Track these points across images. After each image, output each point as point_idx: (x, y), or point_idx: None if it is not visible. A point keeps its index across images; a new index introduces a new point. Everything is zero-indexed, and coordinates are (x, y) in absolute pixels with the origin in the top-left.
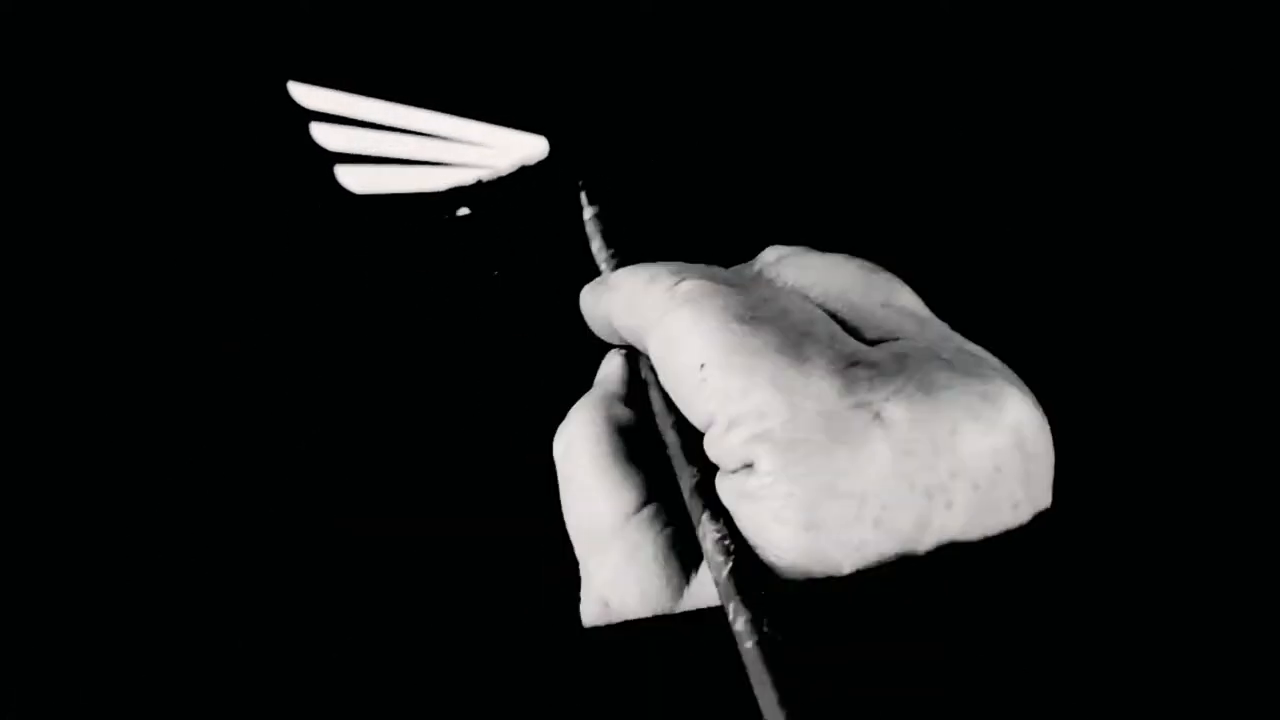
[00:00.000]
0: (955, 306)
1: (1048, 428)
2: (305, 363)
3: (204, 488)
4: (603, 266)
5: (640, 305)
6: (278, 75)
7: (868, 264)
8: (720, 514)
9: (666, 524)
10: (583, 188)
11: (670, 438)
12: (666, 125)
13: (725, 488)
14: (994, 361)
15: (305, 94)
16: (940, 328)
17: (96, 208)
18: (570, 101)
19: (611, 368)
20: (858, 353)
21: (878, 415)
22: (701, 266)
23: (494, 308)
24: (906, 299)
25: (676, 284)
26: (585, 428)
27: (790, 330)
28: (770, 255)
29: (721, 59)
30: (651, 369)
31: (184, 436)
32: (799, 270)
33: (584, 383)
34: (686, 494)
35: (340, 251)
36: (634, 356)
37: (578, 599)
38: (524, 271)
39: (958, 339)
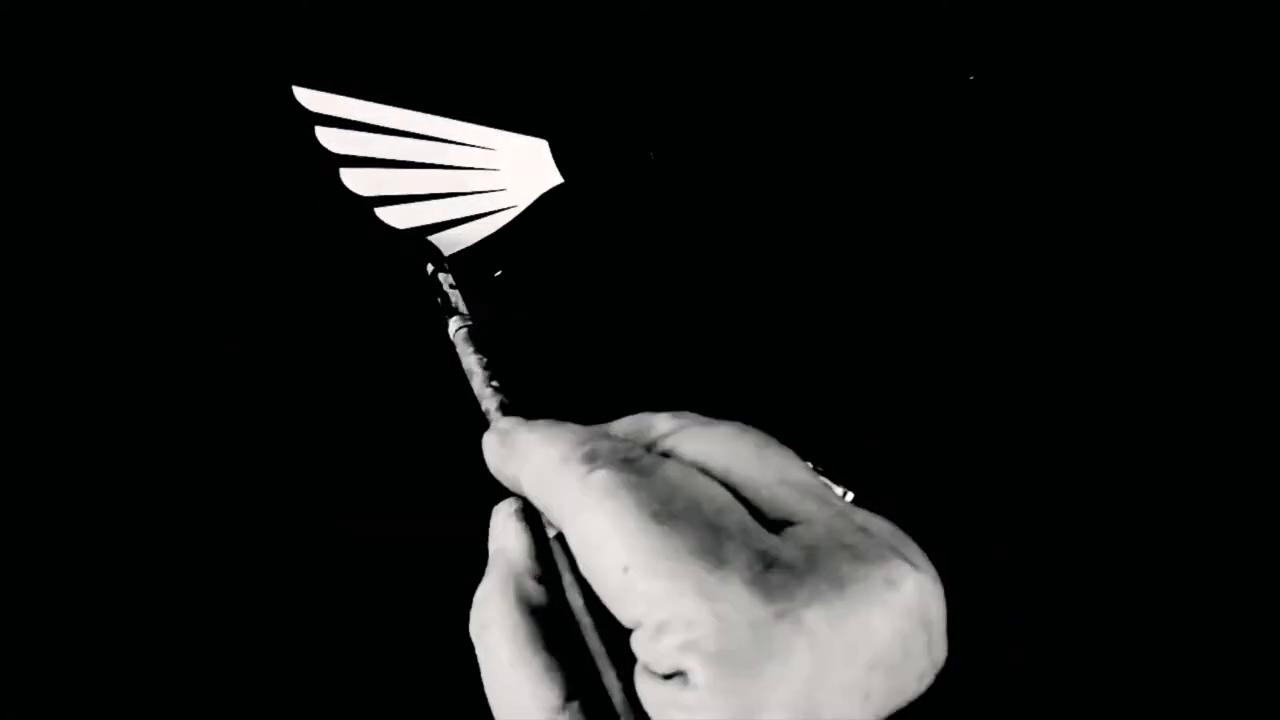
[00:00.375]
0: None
1: (940, 589)
2: (305, 363)
3: (204, 488)
4: (486, 400)
5: (553, 490)
6: (282, 79)
7: (761, 436)
8: None
9: None
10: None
11: (593, 643)
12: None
13: (655, 695)
14: (887, 531)
15: (310, 98)
16: (832, 502)
17: (101, 209)
18: (571, 104)
19: (511, 538)
20: (770, 550)
21: (799, 623)
22: (609, 441)
23: (494, 308)
24: (799, 473)
25: (589, 473)
26: (500, 613)
27: (706, 527)
28: (663, 425)
29: (720, 59)
30: (565, 552)
31: (184, 436)
32: (697, 444)
33: (584, 383)
34: (618, 705)
35: (342, 253)
36: (532, 517)
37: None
38: (522, 273)
39: (849, 511)
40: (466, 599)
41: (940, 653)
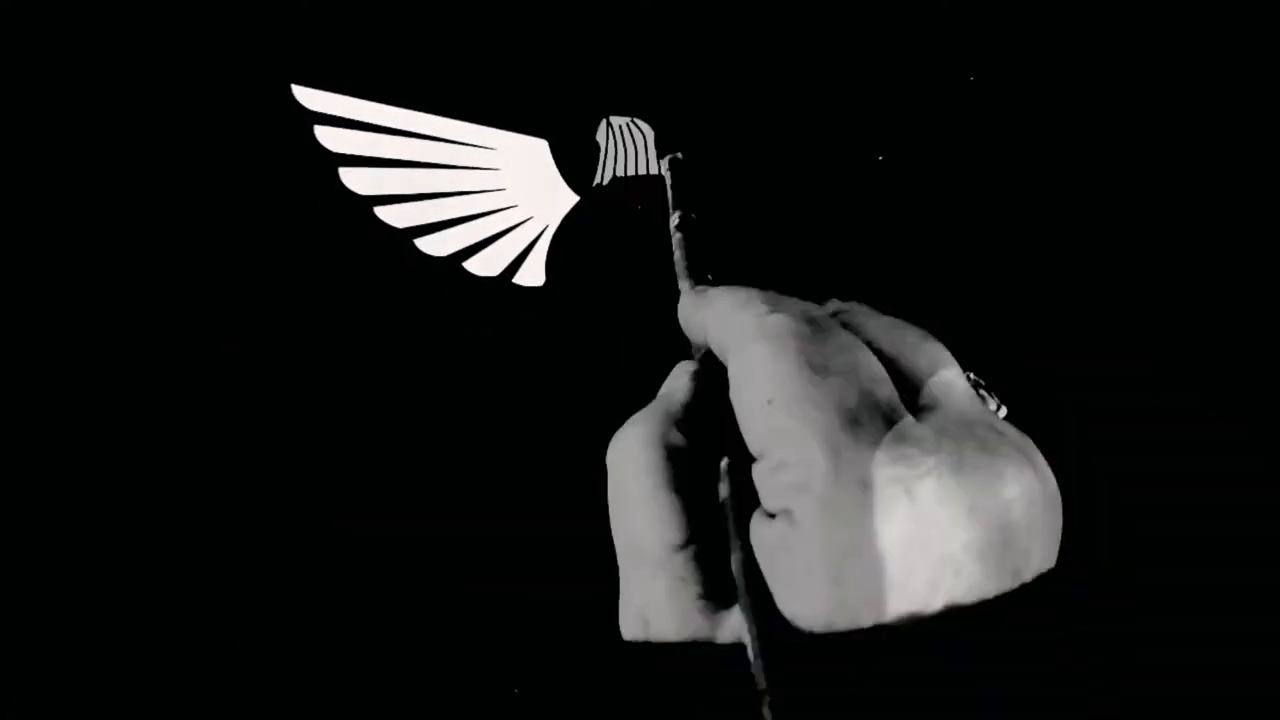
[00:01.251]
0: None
1: (1054, 498)
2: (305, 363)
3: (204, 488)
4: (683, 279)
5: (729, 325)
6: (282, 78)
7: (922, 331)
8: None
9: (709, 563)
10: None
11: (724, 489)
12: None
13: (764, 534)
14: (1017, 436)
15: (310, 98)
16: (973, 402)
17: (100, 209)
18: (571, 104)
19: (678, 385)
20: (904, 426)
21: (908, 491)
22: (793, 301)
23: (492, 309)
24: (953, 370)
25: (766, 314)
26: (641, 447)
27: (853, 390)
28: (847, 304)
29: (721, 58)
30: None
31: (184, 436)
32: (867, 321)
33: (582, 384)
34: (735, 565)
35: (342, 253)
36: (702, 375)
37: (579, 600)
38: (516, 275)
39: (988, 413)
40: (467, 599)
41: (1039, 561)
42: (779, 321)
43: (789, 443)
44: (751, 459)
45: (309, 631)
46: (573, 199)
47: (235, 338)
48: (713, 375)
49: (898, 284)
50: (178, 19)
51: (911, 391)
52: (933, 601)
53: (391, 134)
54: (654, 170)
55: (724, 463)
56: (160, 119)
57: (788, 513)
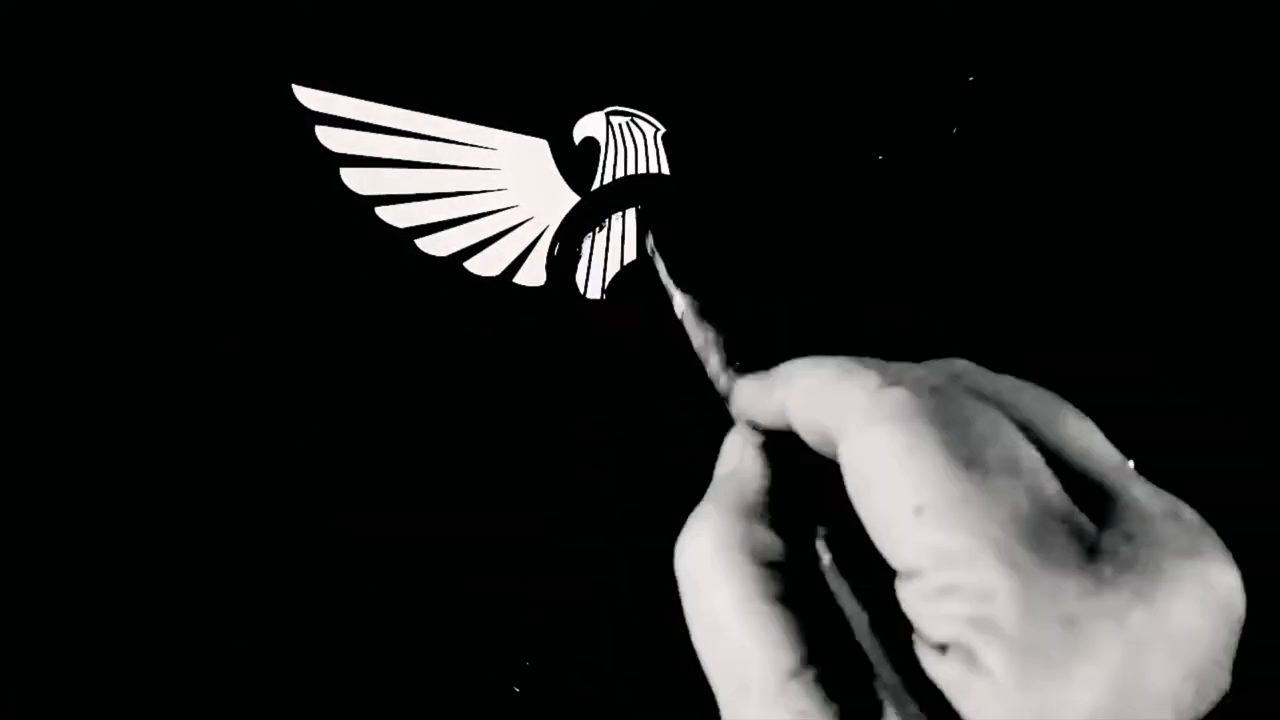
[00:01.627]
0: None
1: (1242, 587)
2: (305, 363)
3: (204, 488)
4: (720, 375)
5: (831, 403)
6: (282, 78)
7: (1053, 394)
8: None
9: (833, 693)
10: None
11: (860, 627)
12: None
13: (938, 672)
14: (1196, 521)
15: (310, 98)
16: (1139, 481)
17: (100, 209)
18: (571, 104)
19: (747, 467)
20: (1091, 534)
21: (1121, 624)
22: (900, 366)
23: (492, 309)
24: (1102, 442)
25: (880, 386)
26: (720, 553)
27: (1023, 492)
28: (958, 365)
29: (721, 58)
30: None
31: (184, 436)
32: (999, 391)
33: (582, 384)
34: (890, 688)
35: (343, 253)
36: (772, 450)
37: (579, 601)
38: (514, 276)
39: (1158, 493)
40: (467, 599)
41: (1229, 667)
42: (902, 398)
43: (957, 564)
44: (879, 566)
45: (309, 631)
46: (573, 199)
47: (235, 338)
48: (785, 449)
49: (897, 283)
50: (178, 19)
51: (1069, 477)
52: None
53: (392, 134)
54: (654, 170)
55: (826, 560)
56: (161, 119)
57: (967, 652)
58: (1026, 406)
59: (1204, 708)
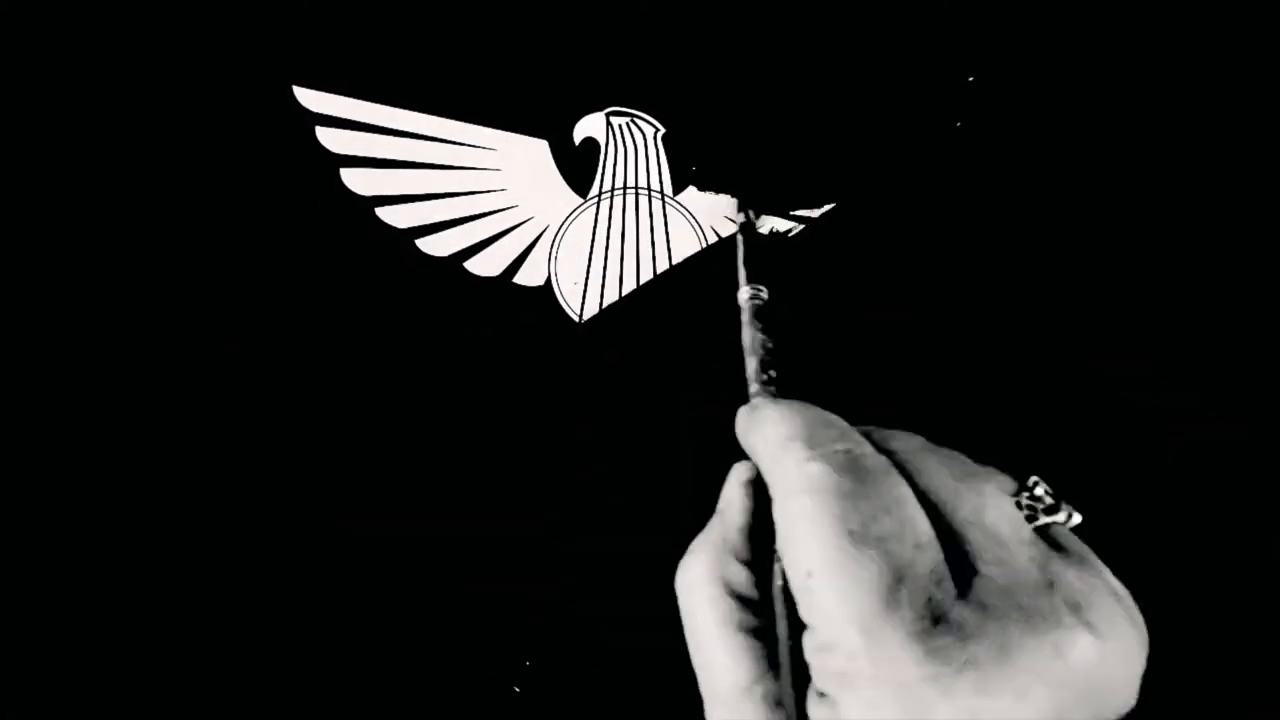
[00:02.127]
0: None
1: (1122, 650)
2: (306, 363)
3: (204, 488)
4: (753, 378)
5: (773, 466)
6: (282, 79)
7: (978, 466)
8: None
9: (778, 704)
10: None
11: (783, 655)
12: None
13: (814, 713)
14: (1079, 588)
15: (310, 98)
16: (1025, 552)
17: (100, 210)
18: (571, 104)
19: (731, 502)
20: (943, 604)
21: (946, 691)
22: (840, 433)
23: (492, 309)
24: (1002, 512)
25: (806, 460)
26: (703, 583)
27: (894, 562)
28: (905, 443)
29: (721, 58)
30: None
31: (184, 436)
32: (920, 463)
33: (578, 384)
34: (788, 707)
35: (343, 253)
36: (758, 487)
37: (578, 601)
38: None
39: (1045, 561)
40: (467, 599)
41: (1113, 710)
42: (819, 473)
43: (830, 624)
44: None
45: (309, 631)
46: (573, 199)
47: (236, 338)
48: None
49: (897, 283)
50: (178, 19)
51: (961, 547)
52: None
53: (392, 134)
54: (654, 171)
55: (778, 589)
56: (161, 120)
57: (833, 702)
58: (940, 478)
59: None
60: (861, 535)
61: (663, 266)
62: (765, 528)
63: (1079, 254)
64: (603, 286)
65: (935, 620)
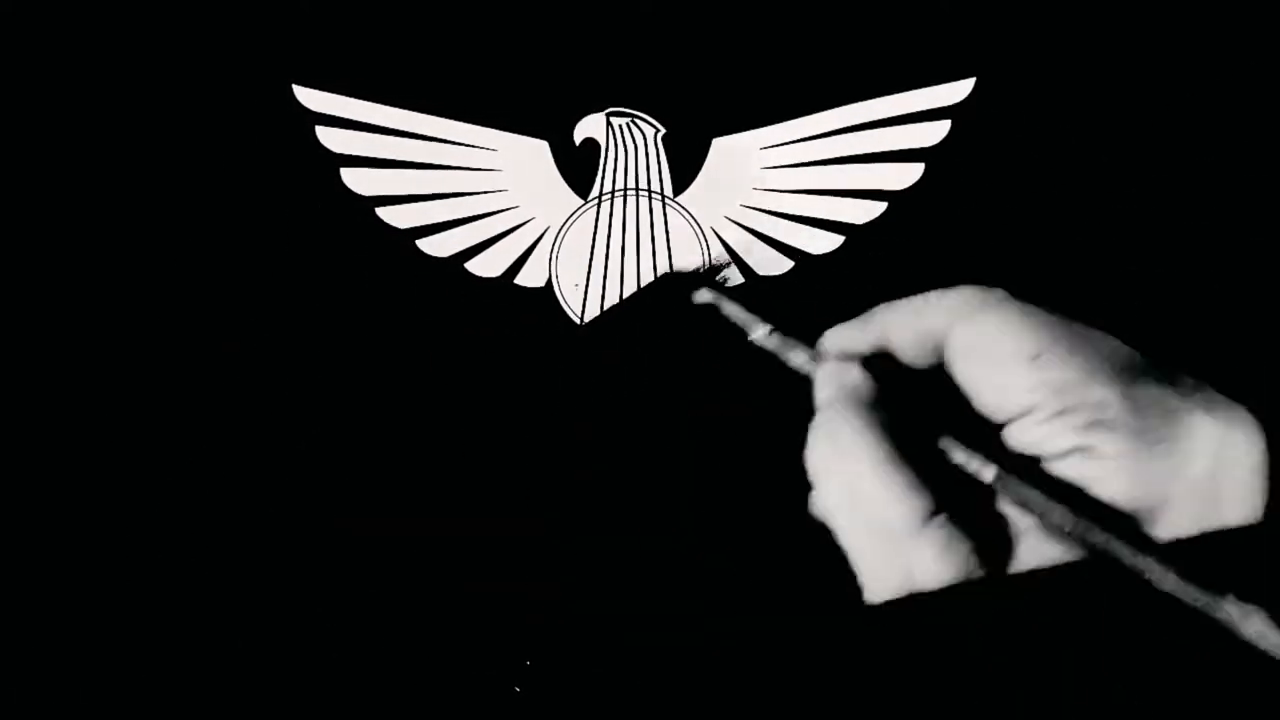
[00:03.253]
0: None
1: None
2: (306, 363)
3: (204, 488)
4: (759, 331)
5: (938, 307)
6: (282, 78)
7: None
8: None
9: (963, 531)
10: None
11: (952, 447)
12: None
13: (1062, 469)
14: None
15: (310, 98)
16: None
17: (100, 209)
18: (571, 104)
19: (854, 375)
20: (1166, 370)
21: (1208, 416)
22: None
23: (493, 309)
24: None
25: (979, 289)
26: (859, 430)
27: (1107, 345)
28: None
29: (721, 58)
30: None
31: (184, 436)
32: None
33: (578, 384)
34: (1010, 488)
35: (344, 254)
36: (868, 364)
37: (578, 600)
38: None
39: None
40: (466, 599)
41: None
42: (1002, 294)
43: (1071, 391)
44: (977, 422)
45: (309, 631)
46: (573, 199)
47: (236, 338)
48: (875, 364)
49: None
50: (178, 19)
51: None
52: (1235, 515)
53: (392, 134)
54: (654, 172)
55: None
56: (161, 119)
57: (1085, 450)
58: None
59: (1260, 510)
60: (1075, 323)
61: (663, 268)
62: (888, 390)
63: (1078, 253)
64: (603, 288)
65: (1166, 372)
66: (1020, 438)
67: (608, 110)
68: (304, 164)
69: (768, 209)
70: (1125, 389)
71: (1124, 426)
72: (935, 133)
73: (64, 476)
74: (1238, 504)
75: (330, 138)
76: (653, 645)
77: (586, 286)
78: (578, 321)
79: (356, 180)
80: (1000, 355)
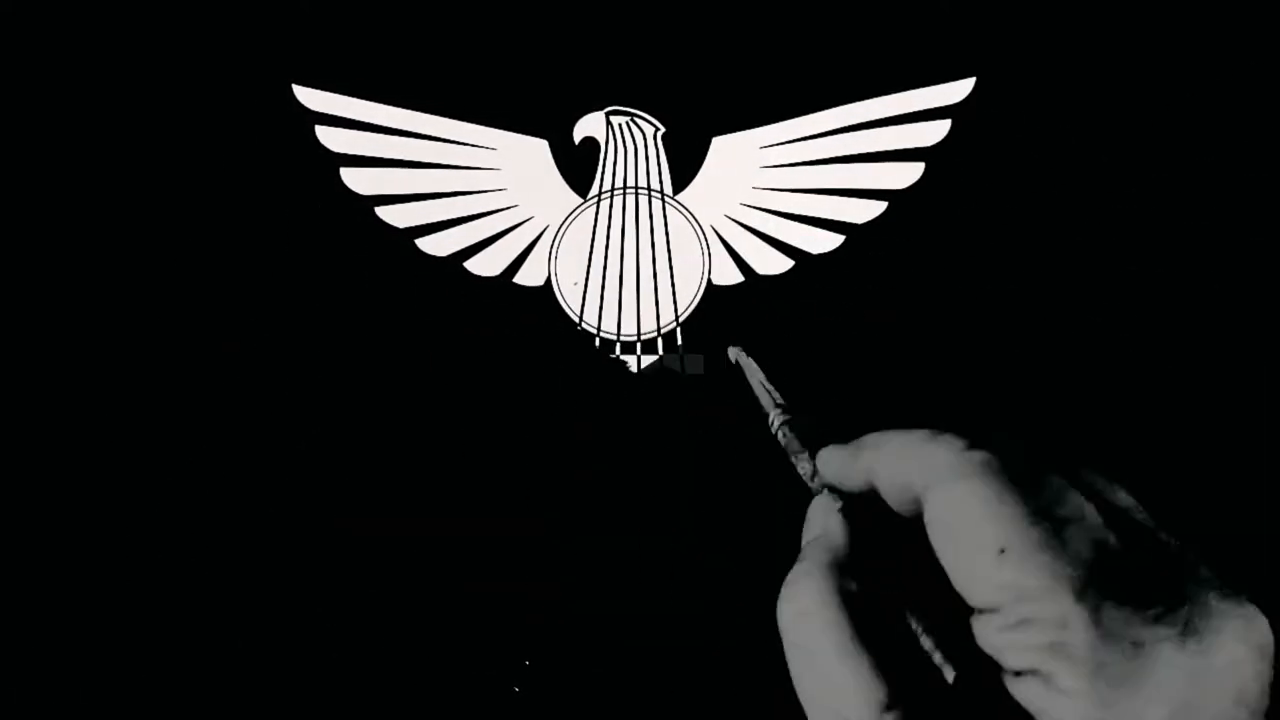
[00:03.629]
0: None
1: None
2: (306, 363)
3: (205, 487)
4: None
5: (920, 461)
6: (282, 78)
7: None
8: None
9: None
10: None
11: (926, 641)
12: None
13: (1020, 691)
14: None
15: (310, 97)
16: (1176, 540)
17: (101, 209)
18: (571, 104)
19: (831, 528)
20: (1148, 576)
21: (1180, 648)
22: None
23: (492, 309)
24: (1131, 501)
25: (965, 448)
26: (821, 603)
27: (1089, 540)
28: (1019, 444)
29: (721, 58)
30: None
31: (185, 436)
32: (1056, 465)
33: (582, 384)
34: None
35: (343, 252)
36: (852, 514)
37: (577, 601)
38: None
39: (1191, 551)
40: (466, 599)
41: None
42: (986, 459)
43: (1034, 599)
44: (951, 605)
45: (310, 631)
46: (573, 199)
47: (236, 337)
48: (861, 513)
49: (897, 283)
50: (179, 19)
51: (1122, 533)
52: None
53: (392, 134)
54: (653, 171)
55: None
56: (162, 119)
57: (1045, 676)
58: (1084, 474)
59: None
60: (1051, 513)
61: (663, 266)
62: (867, 551)
63: (1078, 254)
64: (603, 286)
65: (1145, 590)
66: (985, 638)
67: (607, 109)
68: (304, 163)
69: (767, 208)
70: (1092, 610)
71: (1084, 661)
72: (935, 132)
73: (64, 475)
74: None
75: (330, 137)
76: (652, 645)
77: (586, 285)
78: (577, 320)
79: (356, 180)
80: (968, 540)
